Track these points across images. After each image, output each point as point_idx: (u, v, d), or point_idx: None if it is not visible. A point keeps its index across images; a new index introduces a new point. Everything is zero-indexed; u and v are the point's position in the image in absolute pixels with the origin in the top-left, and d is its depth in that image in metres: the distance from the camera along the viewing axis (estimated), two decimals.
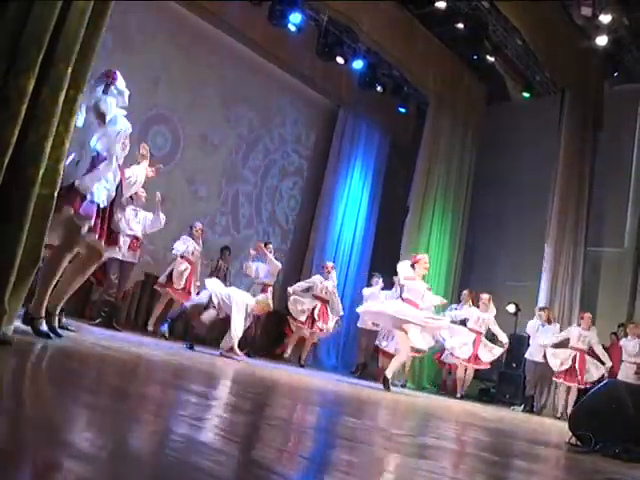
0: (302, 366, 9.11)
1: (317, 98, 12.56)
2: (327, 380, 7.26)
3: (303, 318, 9.25)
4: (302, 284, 9.70)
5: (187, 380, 3.67)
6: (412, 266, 7.24)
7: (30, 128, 2.54)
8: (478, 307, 9.62)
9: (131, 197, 7.55)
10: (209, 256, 9.87)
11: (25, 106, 2.50)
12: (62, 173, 2.72)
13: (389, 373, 7.14)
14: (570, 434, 3.70)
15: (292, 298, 9.34)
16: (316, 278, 9.69)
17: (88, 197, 3.97)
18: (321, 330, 9.41)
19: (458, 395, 9.55)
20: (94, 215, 4.00)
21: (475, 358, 9.46)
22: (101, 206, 4.05)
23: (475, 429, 4.39)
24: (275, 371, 6.71)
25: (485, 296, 9.67)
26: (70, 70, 2.49)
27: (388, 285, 10.09)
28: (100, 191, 4.04)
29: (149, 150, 5.14)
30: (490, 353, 9.49)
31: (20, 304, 2.86)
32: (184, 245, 8.62)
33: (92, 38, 2.62)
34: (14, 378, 2.06)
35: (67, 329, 4.85)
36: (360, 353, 10.54)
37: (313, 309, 9.30)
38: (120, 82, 4.30)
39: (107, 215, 4.16)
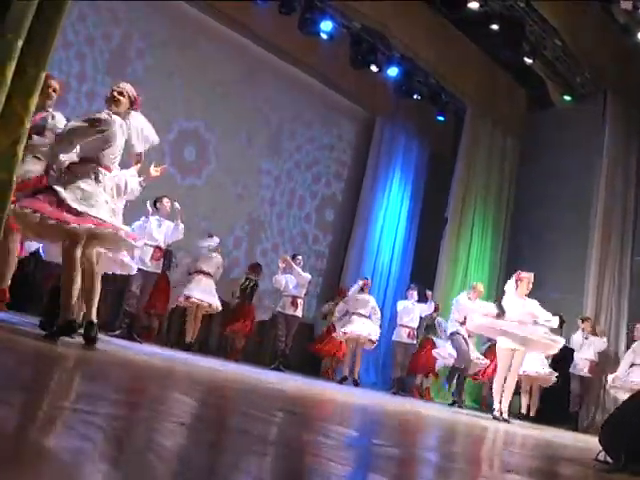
0: (357, 384, 9.24)
1: (352, 108, 12.36)
2: (373, 398, 6.91)
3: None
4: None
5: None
6: (516, 282, 6.78)
7: None
8: None
9: (156, 207, 7.50)
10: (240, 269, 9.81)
11: None
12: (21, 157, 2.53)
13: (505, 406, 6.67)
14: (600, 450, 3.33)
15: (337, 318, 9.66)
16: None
17: None
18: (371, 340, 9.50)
19: (523, 410, 9.01)
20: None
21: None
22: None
23: (512, 449, 4.06)
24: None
25: None
26: (21, 43, 2.32)
27: (422, 297, 9.80)
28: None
29: (143, 156, 4.94)
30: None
31: None
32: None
33: (52, 14, 2.45)
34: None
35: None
36: (396, 368, 10.11)
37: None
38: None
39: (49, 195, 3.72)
